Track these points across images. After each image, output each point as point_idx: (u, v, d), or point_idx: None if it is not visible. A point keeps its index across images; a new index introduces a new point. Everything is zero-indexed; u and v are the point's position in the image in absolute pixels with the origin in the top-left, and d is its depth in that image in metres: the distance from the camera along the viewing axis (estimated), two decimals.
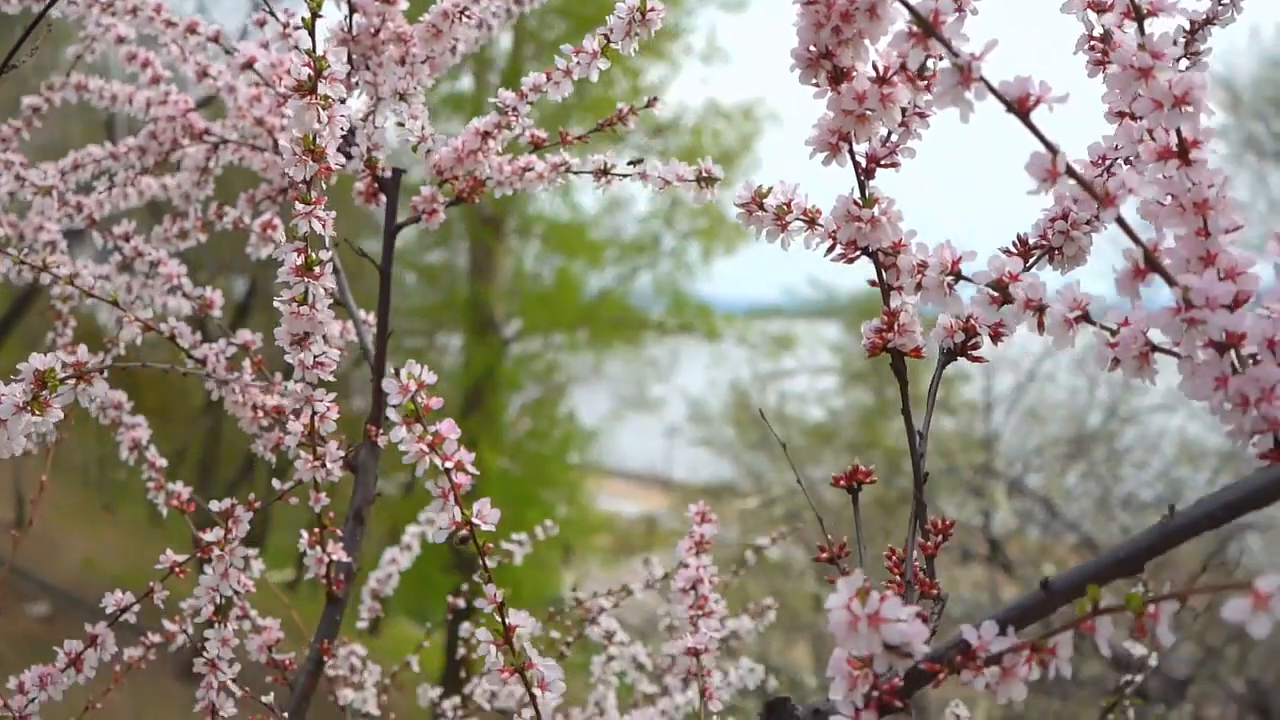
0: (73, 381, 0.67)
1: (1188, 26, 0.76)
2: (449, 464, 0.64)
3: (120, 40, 1.20)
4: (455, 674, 1.44)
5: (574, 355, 12.02)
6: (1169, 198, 0.56)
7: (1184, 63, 0.75)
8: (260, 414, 1.04)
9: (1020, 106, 0.52)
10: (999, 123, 0.55)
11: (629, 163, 0.95)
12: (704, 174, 0.86)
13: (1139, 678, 1.10)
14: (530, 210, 11.89)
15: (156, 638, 1.15)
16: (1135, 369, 0.56)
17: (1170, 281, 0.52)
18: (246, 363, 1.06)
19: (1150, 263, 0.53)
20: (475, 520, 0.65)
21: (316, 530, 0.98)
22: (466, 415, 10.98)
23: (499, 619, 0.66)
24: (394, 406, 0.63)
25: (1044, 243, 0.70)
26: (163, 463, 1.13)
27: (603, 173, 0.96)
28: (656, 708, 1.36)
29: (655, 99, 1.03)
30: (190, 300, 1.11)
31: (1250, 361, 0.54)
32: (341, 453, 0.93)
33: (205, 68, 1.16)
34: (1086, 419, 7.41)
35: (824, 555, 0.62)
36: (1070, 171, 0.52)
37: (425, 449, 0.63)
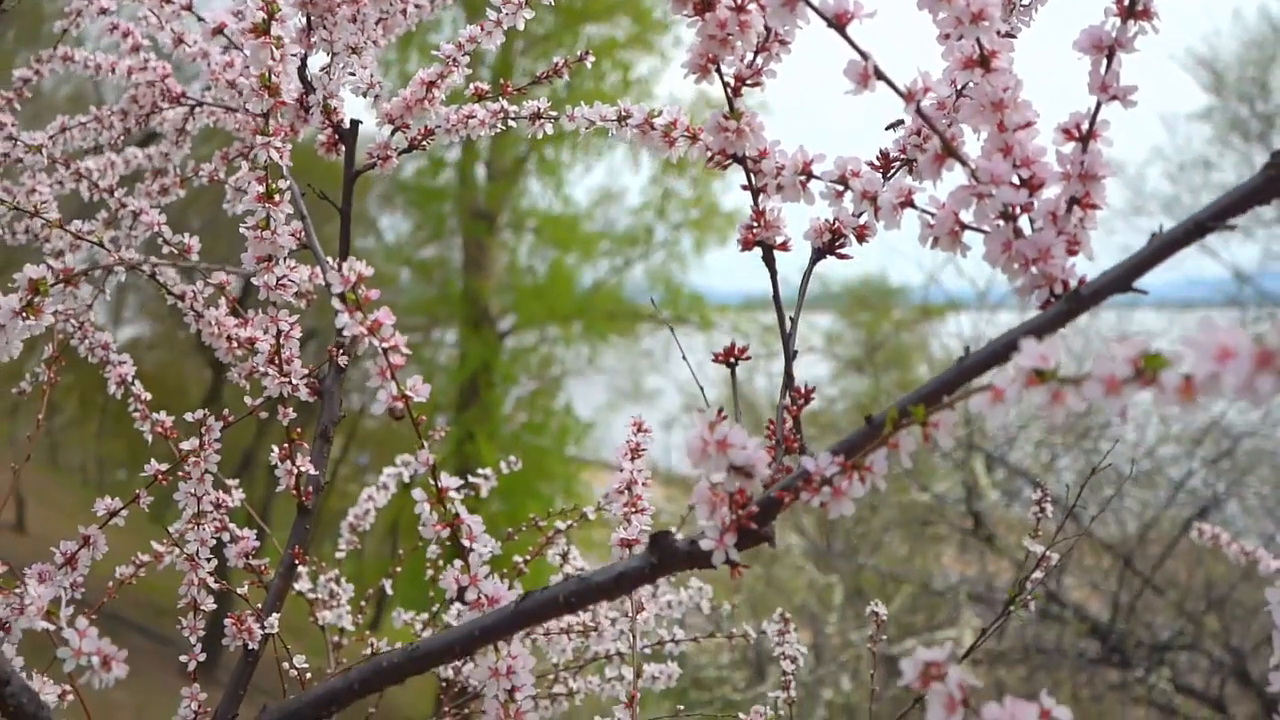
0: (61, 286, 0.78)
1: None
2: (386, 345, 0.75)
3: (103, 11, 1.31)
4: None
5: (569, 348, 12.13)
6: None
7: None
8: (234, 345, 1.14)
9: (839, 21, 0.63)
10: None
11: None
12: (623, 114, 0.97)
13: (1039, 575, 1.20)
14: (523, 204, 12.01)
15: (146, 557, 1.26)
16: (949, 244, 0.67)
17: (964, 163, 0.63)
18: (222, 300, 1.17)
19: (948, 150, 0.64)
20: (409, 393, 0.76)
21: (286, 445, 1.09)
22: (463, 409, 11.09)
23: (433, 482, 0.77)
24: (336, 296, 0.73)
25: (902, 156, 0.81)
26: (147, 396, 1.23)
27: (536, 116, 1.07)
28: (616, 627, 1.47)
29: (587, 53, 1.14)
30: (170, 246, 1.22)
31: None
32: (305, 370, 1.04)
33: (180, 35, 1.26)
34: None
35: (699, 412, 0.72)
36: (879, 74, 0.63)
37: (365, 332, 0.74)
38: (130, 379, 1.24)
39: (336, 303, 0.74)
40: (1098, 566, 7.21)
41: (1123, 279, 0.59)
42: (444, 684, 1.52)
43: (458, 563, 0.78)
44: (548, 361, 12.12)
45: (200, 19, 1.22)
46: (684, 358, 1.17)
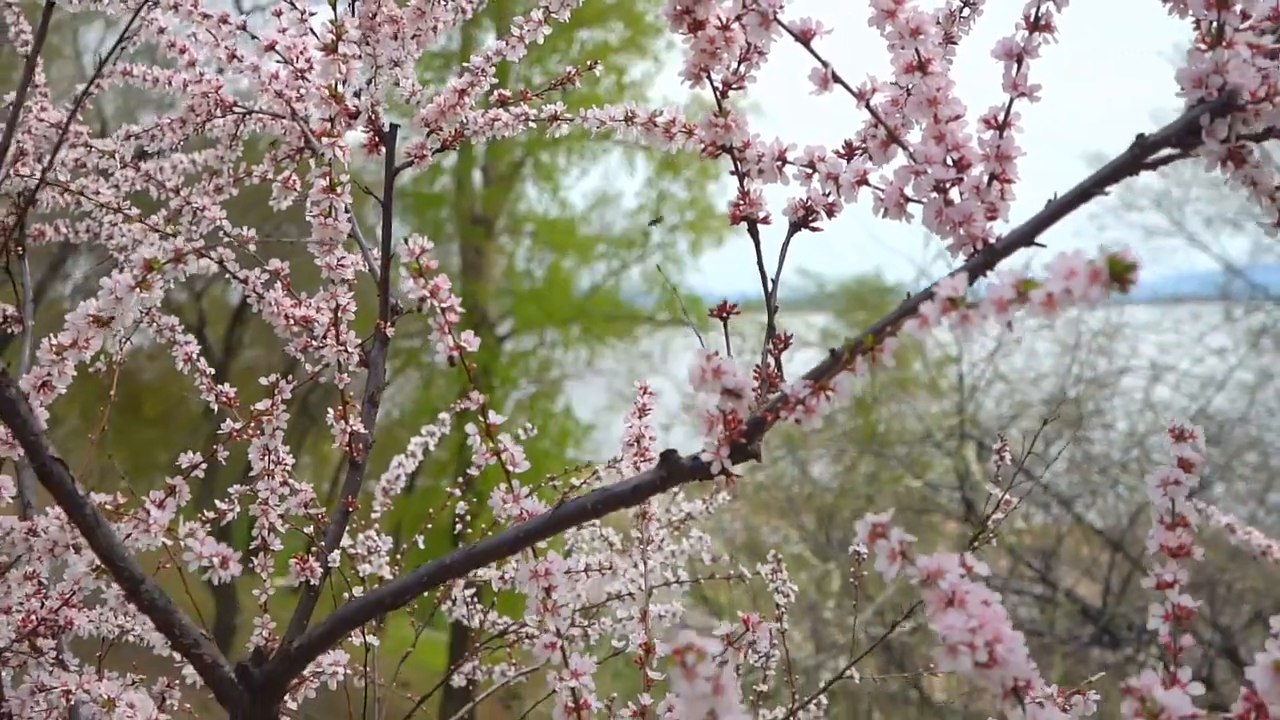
0: (172, 264, 0.94)
1: None
2: (444, 305, 0.91)
3: (161, 31, 1.47)
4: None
5: (567, 351, 12.30)
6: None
7: (966, 10, 1.02)
8: (290, 322, 1.31)
9: (804, 37, 0.79)
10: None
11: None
12: (629, 114, 1.13)
13: (1000, 516, 1.37)
14: (520, 209, 12.17)
15: (211, 514, 1.42)
16: (895, 213, 0.84)
17: (904, 148, 0.80)
18: (278, 284, 1.33)
19: (891, 137, 0.80)
20: (463, 344, 0.92)
21: (340, 407, 1.25)
22: (463, 413, 11.25)
23: (483, 419, 0.94)
24: (404, 264, 0.90)
25: (863, 145, 0.98)
26: (211, 371, 1.40)
27: (554, 119, 1.24)
28: (626, 577, 1.63)
29: (595, 63, 1.31)
30: (230, 237, 1.38)
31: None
32: (359, 341, 1.20)
33: (234, 51, 1.43)
34: (1067, 386, 7.73)
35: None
36: (836, 79, 0.79)
37: (427, 294, 0.91)
38: (196, 356, 1.41)
39: (403, 270, 0.91)
40: (1090, 555, 7.40)
41: (1026, 236, 0.76)
42: (472, 633, 1.68)
43: (502, 485, 0.94)
44: (546, 365, 12.28)
45: (254, 37, 1.38)
46: (702, 347, 1.33)
